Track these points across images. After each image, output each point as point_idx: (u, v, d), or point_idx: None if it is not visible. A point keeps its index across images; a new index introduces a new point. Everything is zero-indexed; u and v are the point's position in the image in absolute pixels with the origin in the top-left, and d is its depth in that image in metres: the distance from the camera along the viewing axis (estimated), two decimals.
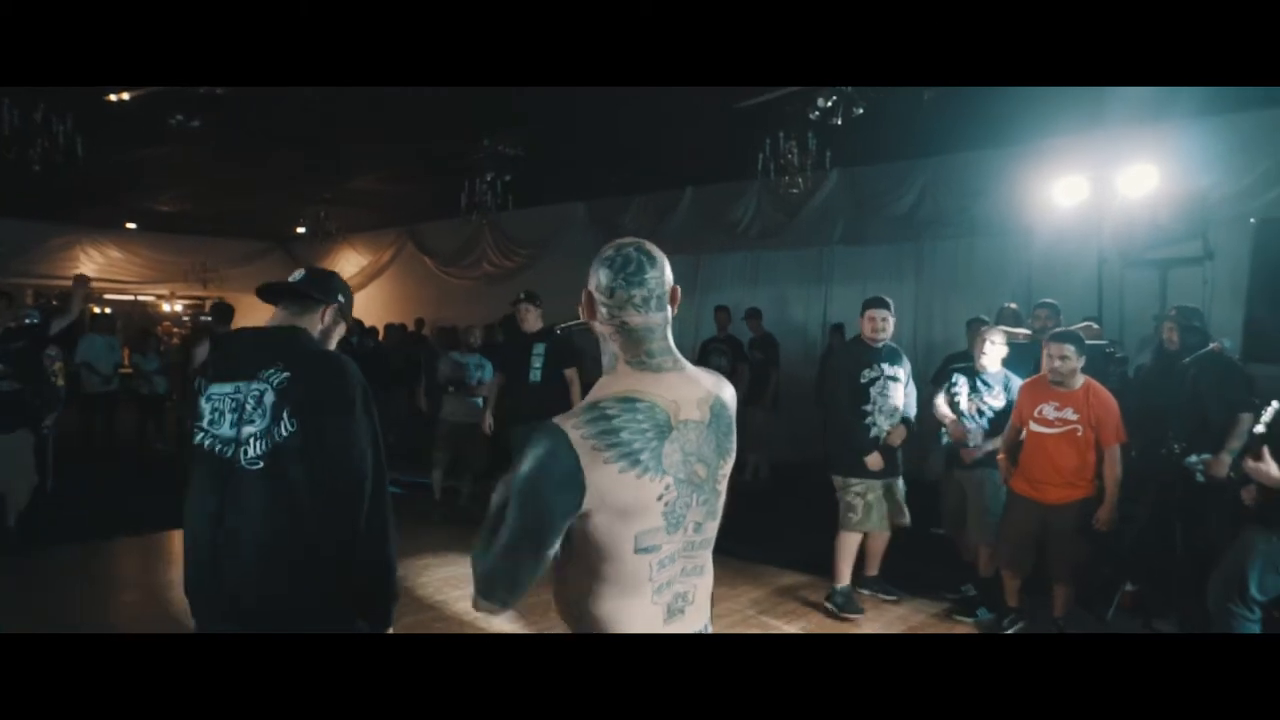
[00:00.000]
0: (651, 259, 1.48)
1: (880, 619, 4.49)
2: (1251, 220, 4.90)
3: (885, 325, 4.55)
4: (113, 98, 5.68)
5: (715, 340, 8.20)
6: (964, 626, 4.39)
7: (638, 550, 1.41)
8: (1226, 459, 3.95)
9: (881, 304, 4.61)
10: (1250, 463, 3.07)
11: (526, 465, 1.36)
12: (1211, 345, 4.30)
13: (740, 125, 6.52)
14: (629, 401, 1.41)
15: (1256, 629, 3.21)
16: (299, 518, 1.83)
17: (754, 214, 9.13)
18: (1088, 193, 5.71)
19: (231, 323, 7.57)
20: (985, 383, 4.49)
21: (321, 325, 2.06)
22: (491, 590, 1.40)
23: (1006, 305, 5.68)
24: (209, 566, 1.89)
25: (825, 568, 5.13)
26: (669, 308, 1.50)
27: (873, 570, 4.79)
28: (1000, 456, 4.22)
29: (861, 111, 5.20)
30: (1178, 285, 5.02)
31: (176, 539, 5.91)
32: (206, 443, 1.92)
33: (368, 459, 1.88)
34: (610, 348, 1.49)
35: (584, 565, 1.44)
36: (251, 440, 1.85)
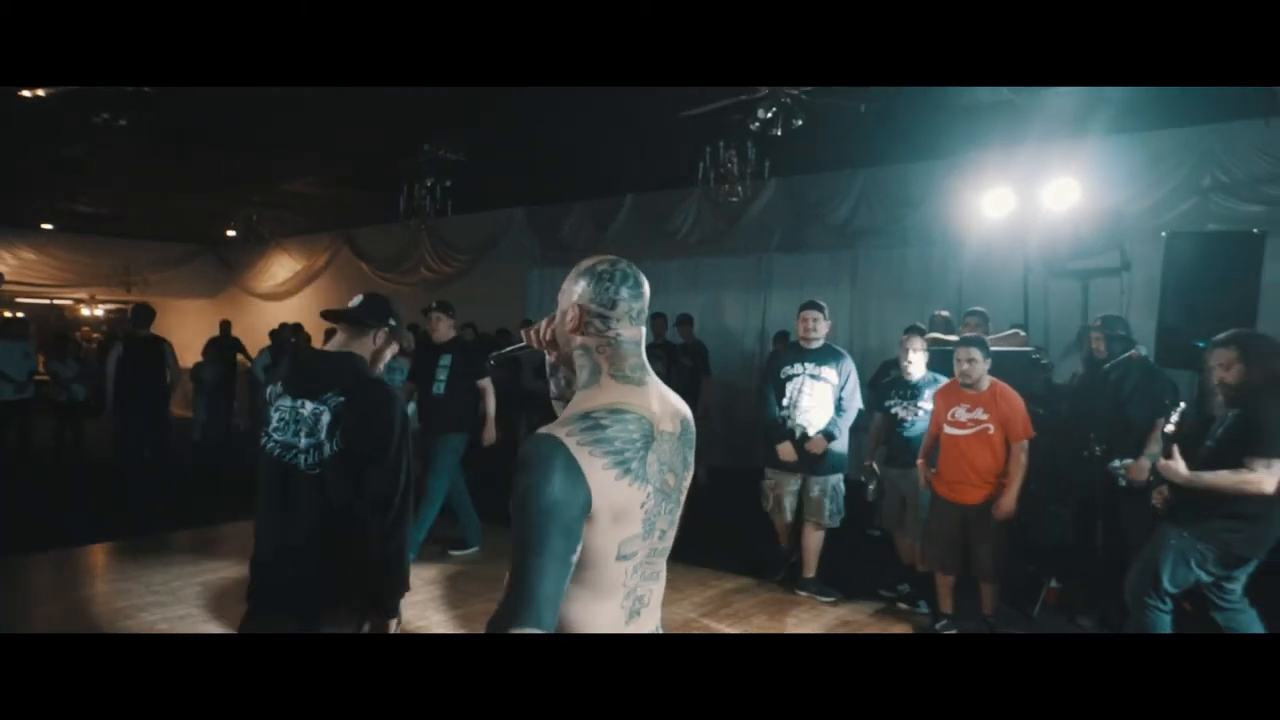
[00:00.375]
0: (642, 276, 1.55)
1: (820, 620, 4.58)
2: (1163, 234, 5.16)
3: (816, 326, 4.77)
4: (26, 93, 5.44)
5: (653, 347, 8.24)
6: (901, 625, 4.49)
7: (619, 557, 1.44)
8: (1146, 463, 4.13)
9: (814, 306, 4.85)
10: (1161, 461, 3.23)
11: (535, 476, 1.35)
12: (1130, 352, 4.50)
13: (681, 134, 6.59)
14: (619, 412, 1.44)
15: (1168, 620, 3.37)
16: (339, 518, 2.18)
17: (694, 222, 9.23)
18: (1014, 205, 5.92)
19: (151, 326, 7.29)
20: (915, 389, 4.66)
21: (374, 347, 2.40)
22: (534, 615, 1.34)
23: (938, 313, 5.86)
24: (274, 547, 2.26)
25: (761, 570, 5.24)
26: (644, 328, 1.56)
27: (809, 572, 4.88)
28: (920, 461, 4.38)
29: (801, 123, 5.30)
30: (1098, 295, 5.24)
31: (99, 553, 5.70)
32: (270, 447, 2.25)
33: (400, 474, 2.23)
34: (593, 361, 1.51)
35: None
36: (310, 450, 2.20)
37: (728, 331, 9.32)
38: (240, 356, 11.34)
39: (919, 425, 4.61)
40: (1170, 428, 3.26)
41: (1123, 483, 4.18)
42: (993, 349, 4.95)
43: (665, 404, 1.54)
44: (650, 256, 9.84)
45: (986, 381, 4.13)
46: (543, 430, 1.40)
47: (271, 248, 14.10)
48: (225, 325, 12.13)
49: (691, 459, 1.61)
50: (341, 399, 2.21)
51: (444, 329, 5.39)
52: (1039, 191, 5.58)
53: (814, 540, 4.84)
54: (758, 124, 5.34)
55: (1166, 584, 3.32)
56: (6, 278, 13.95)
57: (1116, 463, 4.22)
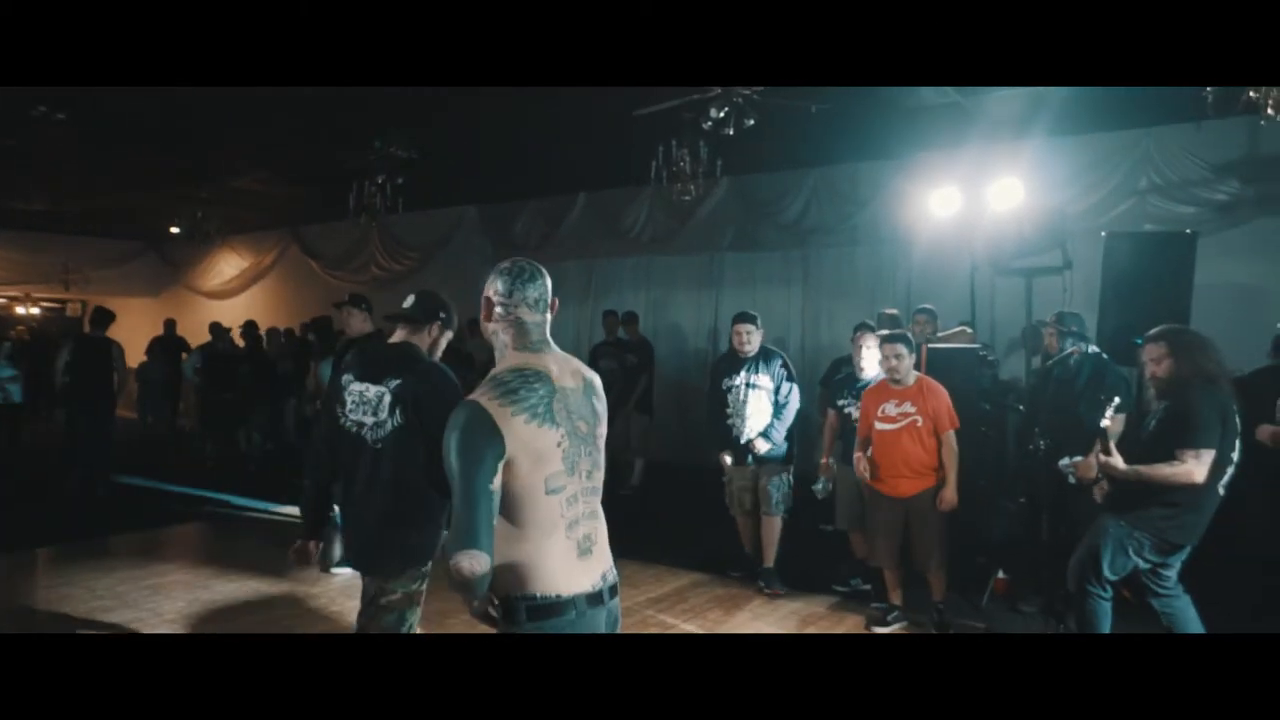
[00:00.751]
0: (541, 271, 1.94)
1: (775, 614, 4.63)
2: (1103, 234, 5.32)
3: (750, 338, 4.95)
4: None
5: (604, 344, 8.22)
6: (855, 618, 4.56)
7: (548, 492, 1.73)
8: (1094, 461, 4.22)
9: (747, 318, 5.01)
10: (1101, 457, 3.33)
11: (454, 431, 1.68)
12: (1074, 347, 4.60)
13: (634, 132, 6.60)
14: (519, 371, 1.79)
15: (1108, 606, 3.48)
16: (404, 481, 2.59)
17: (646, 220, 9.25)
18: (960, 204, 6.03)
19: (108, 328, 7.16)
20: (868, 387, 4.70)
21: (430, 338, 2.78)
22: (473, 538, 1.61)
23: (885, 311, 5.96)
24: (352, 514, 2.67)
25: (716, 565, 5.28)
26: (549, 313, 1.93)
27: (768, 561, 4.97)
28: (856, 455, 4.42)
29: (752, 122, 5.35)
30: (1041, 293, 5.36)
31: (40, 558, 5.52)
32: (346, 425, 2.68)
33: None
34: (502, 340, 1.89)
35: (510, 515, 1.72)
36: (376, 427, 2.62)
37: (679, 329, 9.36)
38: (185, 356, 11.06)
39: None
40: (1106, 422, 3.35)
41: (1072, 480, 4.26)
42: (942, 346, 5.06)
43: (564, 365, 1.89)
44: (603, 254, 9.86)
45: (913, 376, 4.25)
46: (466, 398, 1.75)
47: (217, 245, 13.76)
48: (170, 324, 11.82)
49: (602, 411, 1.93)
50: (400, 382, 2.61)
51: (358, 323, 4.96)
52: (984, 191, 5.71)
53: (768, 530, 4.95)
54: (710, 123, 5.37)
55: (1107, 571, 3.43)
56: None
57: (1065, 460, 4.31)
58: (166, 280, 15.36)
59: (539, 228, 10.19)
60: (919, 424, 4.15)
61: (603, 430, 1.93)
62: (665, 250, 9.30)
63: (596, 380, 1.97)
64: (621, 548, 1.89)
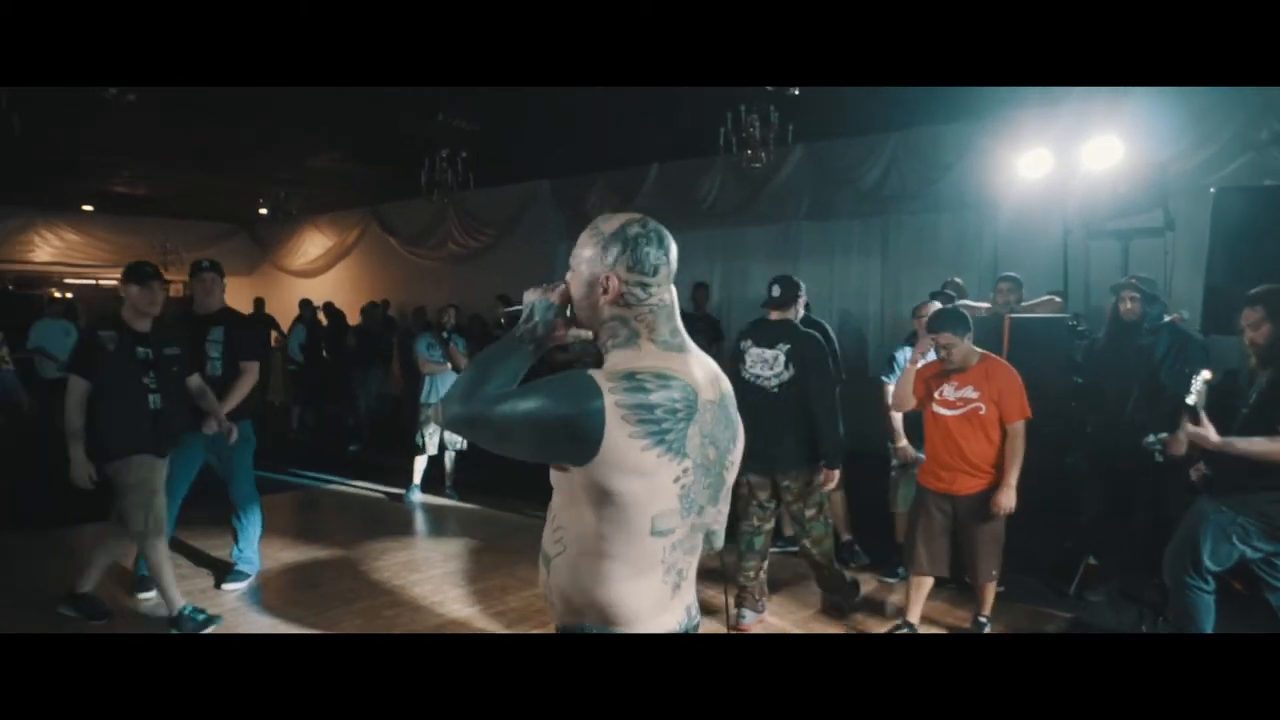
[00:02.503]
0: (666, 232, 1.46)
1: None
2: (1211, 190, 4.87)
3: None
4: None
5: (694, 318, 8.08)
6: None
7: (654, 533, 1.36)
8: (1184, 437, 3.90)
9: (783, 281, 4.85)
10: (1190, 428, 3.01)
11: (555, 401, 1.29)
12: (1170, 317, 4.26)
13: (703, 100, 6.41)
14: (665, 379, 1.34)
15: (1211, 600, 3.19)
16: (797, 415, 3.84)
17: (719, 190, 9.05)
18: (1052, 165, 5.66)
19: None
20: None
21: (797, 315, 4.10)
22: (459, 396, 1.35)
23: (952, 279, 5.67)
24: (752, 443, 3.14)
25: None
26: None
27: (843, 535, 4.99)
28: (902, 444, 4.08)
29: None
30: (1139, 256, 4.98)
31: None
32: (748, 378, 3.94)
33: (831, 379, 3.96)
34: (631, 328, 1.42)
35: (599, 548, 1.37)
36: (773, 378, 3.90)
37: (755, 302, 9.12)
38: (274, 333, 11.45)
39: None
40: (1192, 397, 3.03)
41: (1159, 459, 3.94)
42: (1026, 316, 4.74)
43: (707, 371, 1.46)
44: (676, 226, 9.63)
45: (975, 356, 3.67)
46: (593, 372, 1.33)
47: (303, 225, 14.18)
48: (259, 303, 12.28)
49: (738, 430, 1.51)
50: (789, 345, 3.89)
51: (217, 296, 4.48)
52: (1078, 150, 5.32)
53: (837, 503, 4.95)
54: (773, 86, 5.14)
55: (1207, 562, 3.14)
56: (52, 259, 14.27)
57: (1151, 438, 3.98)
58: (257, 260, 15.93)
59: (611, 201, 10.09)
60: (982, 411, 3.60)
61: (737, 455, 1.51)
62: (739, 221, 9.08)
63: (730, 389, 1.53)
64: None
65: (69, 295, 14.14)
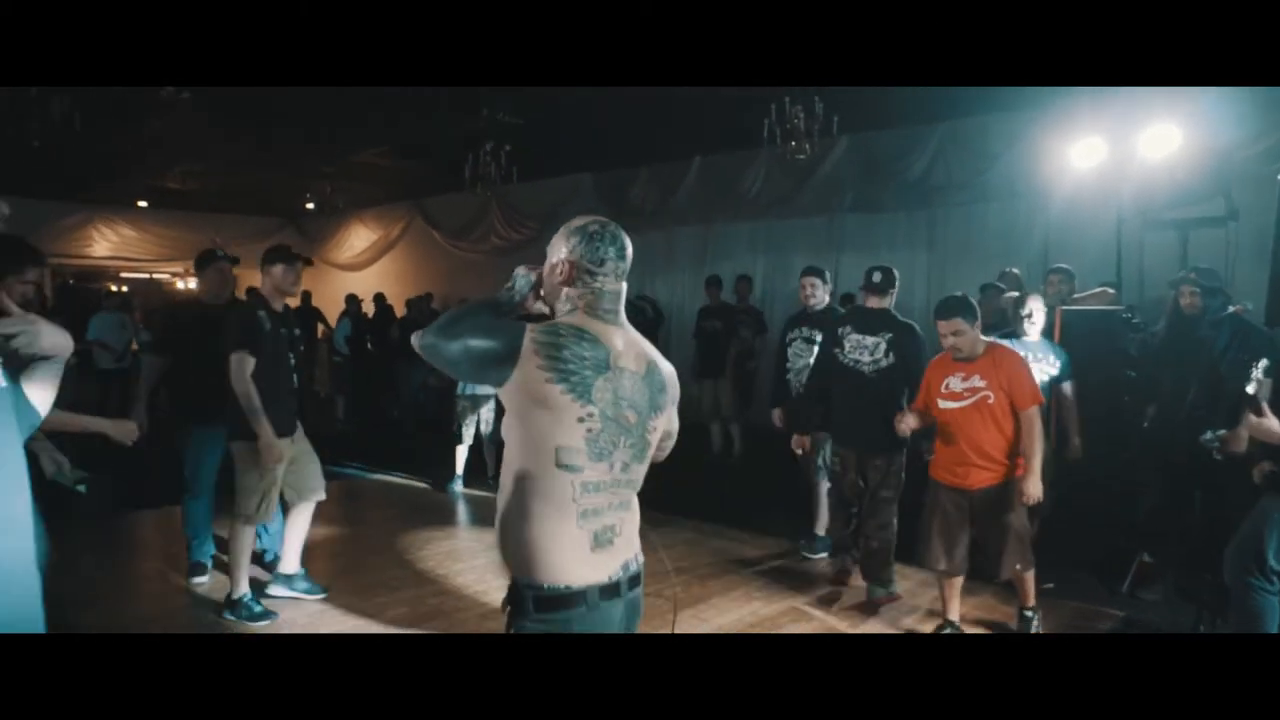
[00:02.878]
0: (626, 238, 1.77)
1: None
2: (1278, 177, 4.70)
3: (814, 291, 4.83)
4: None
5: (736, 310, 8.03)
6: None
7: (559, 465, 1.59)
8: (1244, 433, 3.76)
9: (812, 271, 4.93)
10: (1252, 419, 2.90)
11: (489, 337, 1.59)
12: (1233, 308, 4.12)
13: (747, 92, 6.35)
14: (580, 332, 1.65)
15: (1275, 601, 3.08)
16: (888, 400, 3.98)
17: (763, 182, 8.97)
18: (1105, 154, 5.51)
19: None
20: (1037, 353, 4.19)
21: (893, 301, 4.22)
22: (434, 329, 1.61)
23: (1008, 270, 5.54)
24: (851, 413, 4.13)
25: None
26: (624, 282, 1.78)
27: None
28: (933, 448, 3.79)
29: None
30: (1199, 246, 4.83)
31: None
32: (847, 362, 4.15)
33: (923, 371, 3.82)
34: (574, 304, 1.72)
35: (516, 482, 1.62)
36: (872, 363, 4.09)
37: (797, 294, 9.04)
38: (320, 326, 11.65)
39: (1046, 393, 4.06)
40: (1252, 385, 2.90)
41: (1218, 456, 3.80)
42: (1079, 308, 4.63)
43: (632, 345, 1.73)
44: (719, 219, 9.65)
45: (982, 346, 3.56)
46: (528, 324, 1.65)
47: (348, 219, 14.38)
48: (306, 296, 12.47)
49: (663, 404, 1.77)
50: (890, 334, 4.08)
51: (231, 286, 4.54)
52: (1135, 138, 5.18)
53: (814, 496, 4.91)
54: None
55: (1272, 562, 3.03)
56: (109, 254, 14.69)
57: (1209, 434, 3.83)
58: (304, 253, 16.20)
59: (654, 194, 10.08)
60: (990, 400, 3.45)
61: (658, 424, 1.76)
62: (782, 214, 9.00)
63: (664, 371, 1.80)
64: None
65: (124, 289, 14.55)
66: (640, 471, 1.74)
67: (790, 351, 4.91)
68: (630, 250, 1.76)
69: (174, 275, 17.44)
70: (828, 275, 4.96)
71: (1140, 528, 4.49)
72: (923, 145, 7.82)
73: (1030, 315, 4.25)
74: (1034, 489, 3.43)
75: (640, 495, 1.77)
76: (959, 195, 7.72)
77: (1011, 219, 7.45)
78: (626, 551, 1.72)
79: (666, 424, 1.82)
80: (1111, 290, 5.03)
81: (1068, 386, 4.27)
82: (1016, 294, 4.70)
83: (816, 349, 4.63)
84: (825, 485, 4.72)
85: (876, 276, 4.16)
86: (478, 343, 1.59)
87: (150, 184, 12.13)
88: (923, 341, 4.11)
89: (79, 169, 10.24)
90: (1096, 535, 4.32)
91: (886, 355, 4.05)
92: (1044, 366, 4.20)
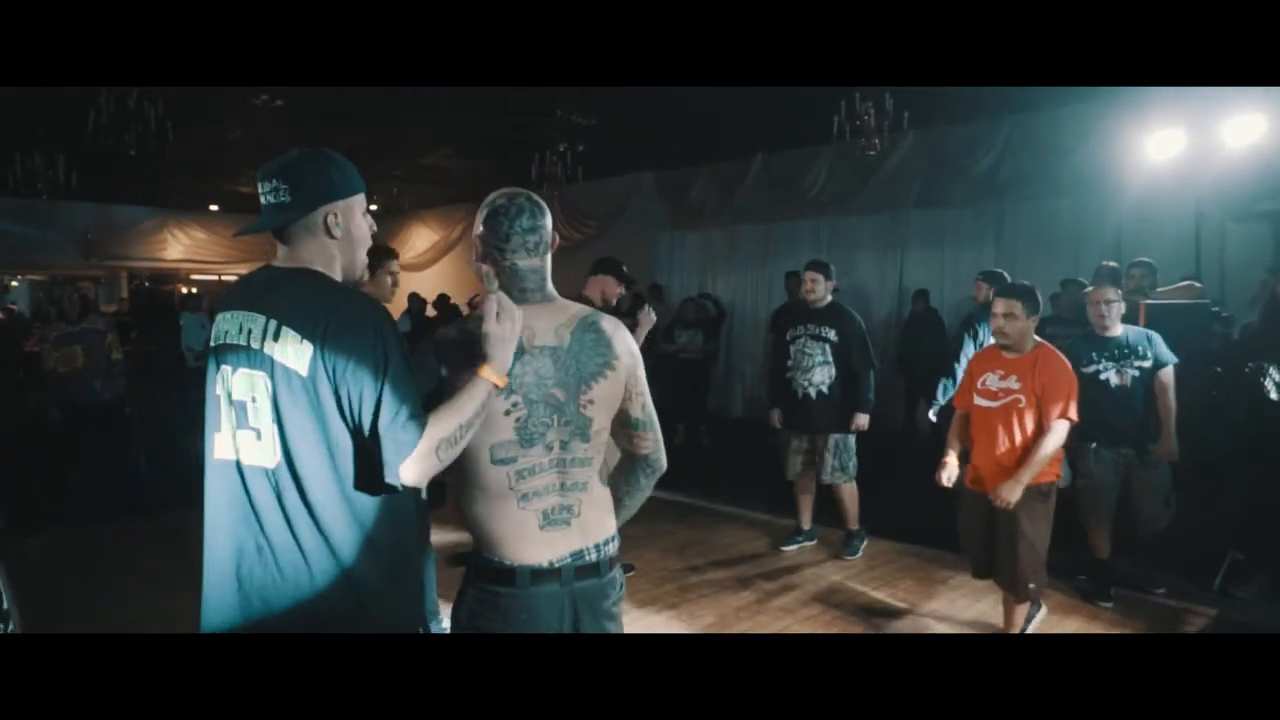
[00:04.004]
0: (542, 209, 1.70)
1: (982, 600, 4.40)
2: None
3: (815, 286, 4.68)
4: None
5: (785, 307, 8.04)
6: (1078, 618, 4.25)
7: (494, 461, 1.58)
8: None
9: (816, 265, 4.74)
10: None
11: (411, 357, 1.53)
12: None
13: (813, 89, 6.37)
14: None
15: None
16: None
17: (826, 179, 8.96)
18: (1184, 145, 5.44)
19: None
20: (1124, 347, 4.00)
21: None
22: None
23: (1104, 264, 5.47)
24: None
25: (910, 533, 5.05)
26: (548, 254, 1.71)
27: (851, 524, 4.83)
28: (949, 454, 3.49)
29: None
30: None
31: None
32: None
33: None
34: (494, 284, 1.68)
35: (459, 474, 1.60)
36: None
37: (863, 291, 9.03)
38: None
39: (1138, 390, 3.92)
40: None
41: None
42: (1164, 302, 4.57)
43: (552, 319, 1.66)
44: (781, 217, 9.66)
45: (1030, 343, 3.32)
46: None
47: (410, 219, 14.68)
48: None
49: (597, 368, 1.66)
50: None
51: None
52: (1216, 128, 5.10)
53: (844, 497, 4.79)
54: None
55: None
56: (182, 256, 15.23)
57: None
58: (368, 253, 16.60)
59: (715, 192, 10.14)
60: (1021, 404, 3.24)
61: (596, 393, 1.65)
62: (846, 210, 8.98)
63: (607, 332, 1.69)
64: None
65: (194, 290, 15.07)
66: (587, 449, 1.66)
67: (793, 349, 4.69)
68: (545, 220, 1.69)
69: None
70: (832, 270, 4.77)
71: (1232, 524, 4.44)
72: (991, 139, 7.75)
73: (1109, 304, 3.95)
74: (1007, 493, 3.17)
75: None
76: (1029, 189, 7.63)
77: (1083, 213, 7.35)
78: (583, 538, 1.65)
79: (611, 392, 1.68)
80: (1197, 284, 4.96)
81: (1166, 374, 3.95)
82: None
83: (829, 347, 4.59)
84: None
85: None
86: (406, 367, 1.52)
87: (223, 188, 12.55)
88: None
89: (160, 175, 10.65)
90: (1185, 533, 4.28)
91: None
92: (1136, 361, 3.97)
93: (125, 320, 16.25)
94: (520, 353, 1.58)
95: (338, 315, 1.46)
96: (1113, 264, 5.45)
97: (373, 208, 14.10)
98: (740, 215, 9.77)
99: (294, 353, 1.45)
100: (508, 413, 1.58)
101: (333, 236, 1.58)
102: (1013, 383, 3.27)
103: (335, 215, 1.58)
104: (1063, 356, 3.31)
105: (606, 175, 10.71)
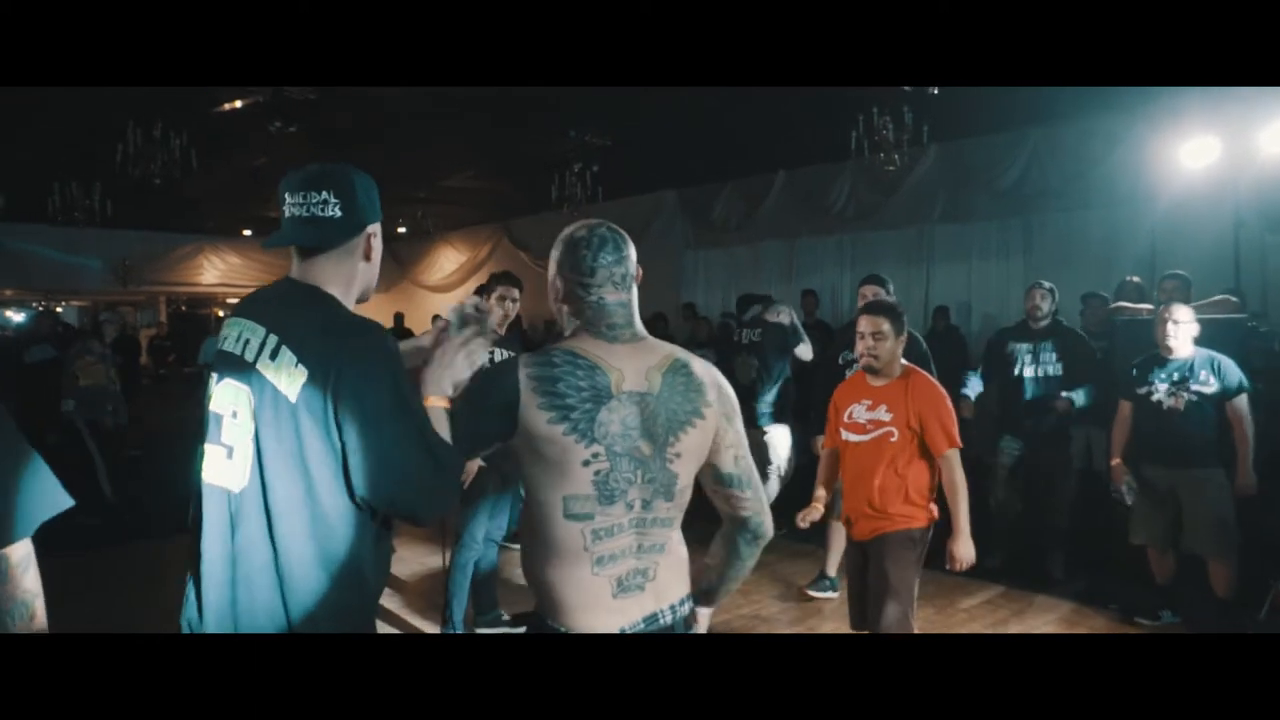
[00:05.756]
0: (625, 239, 1.57)
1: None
2: None
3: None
4: (226, 106, 5.95)
5: (809, 328, 7.92)
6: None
7: (567, 515, 1.43)
8: None
9: (874, 280, 4.46)
10: None
11: (478, 383, 1.48)
12: None
13: (833, 104, 6.29)
14: (573, 356, 1.47)
15: None
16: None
17: (849, 195, 8.85)
18: (1219, 153, 5.26)
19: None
20: (1184, 370, 3.84)
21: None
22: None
23: (1128, 279, 5.29)
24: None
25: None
26: (634, 288, 1.56)
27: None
28: (817, 494, 3.14)
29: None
30: None
31: None
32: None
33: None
34: (574, 322, 1.55)
35: (528, 527, 1.51)
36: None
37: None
38: None
39: (1194, 414, 3.75)
40: None
41: None
42: (1200, 316, 4.40)
43: (642, 361, 1.50)
44: (805, 233, 9.55)
45: (898, 367, 2.99)
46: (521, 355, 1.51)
47: (437, 241, 14.80)
48: (399, 318, 12.92)
49: (687, 416, 1.50)
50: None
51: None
52: (1254, 136, 4.92)
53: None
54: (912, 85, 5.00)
55: None
56: (217, 281, 15.52)
57: None
58: (395, 276, 16.76)
59: (738, 209, 10.07)
60: (894, 438, 2.88)
61: (684, 446, 1.50)
62: (870, 225, 8.85)
63: (696, 370, 1.55)
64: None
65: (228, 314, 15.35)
66: (669, 509, 1.51)
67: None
68: (631, 252, 1.56)
69: None
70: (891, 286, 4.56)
71: (1277, 551, 4.23)
72: (1016, 151, 7.59)
73: (1175, 324, 3.75)
74: (964, 551, 2.87)
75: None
76: (1056, 201, 7.45)
77: (1113, 225, 7.14)
78: (656, 601, 1.51)
79: (700, 443, 1.53)
80: (1234, 299, 4.77)
81: (1239, 404, 3.73)
82: (1149, 305, 4.49)
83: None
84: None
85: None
86: (481, 434, 1.47)
87: (254, 213, 12.76)
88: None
89: (194, 203, 10.85)
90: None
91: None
92: (1195, 386, 3.78)
93: (163, 343, 16.65)
94: (606, 398, 1.44)
95: (348, 351, 1.38)
96: (1137, 279, 5.28)
97: (400, 230, 14.35)
98: (763, 231, 9.69)
99: (287, 376, 1.37)
100: (587, 464, 1.42)
101: (368, 259, 1.53)
102: (883, 413, 2.92)
103: (374, 237, 1.53)
104: (932, 378, 3.01)
105: (628, 194, 10.70)
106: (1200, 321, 4.40)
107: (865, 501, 2.92)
